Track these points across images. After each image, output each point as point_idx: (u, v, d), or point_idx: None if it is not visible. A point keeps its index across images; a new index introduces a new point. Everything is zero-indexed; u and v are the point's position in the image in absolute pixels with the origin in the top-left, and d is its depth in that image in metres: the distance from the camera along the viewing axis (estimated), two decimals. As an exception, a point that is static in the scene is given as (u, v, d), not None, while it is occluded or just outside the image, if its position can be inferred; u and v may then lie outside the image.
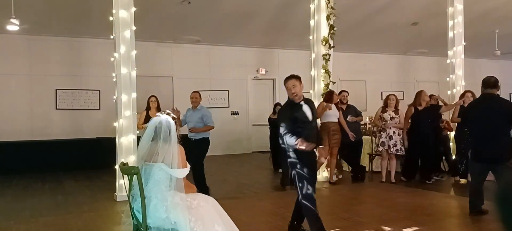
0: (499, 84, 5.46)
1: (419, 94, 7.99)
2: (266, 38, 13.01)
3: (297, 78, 4.70)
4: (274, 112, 9.66)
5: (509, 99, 5.58)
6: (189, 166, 3.44)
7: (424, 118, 7.91)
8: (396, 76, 15.89)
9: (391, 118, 8.08)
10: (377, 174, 8.73)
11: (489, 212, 5.33)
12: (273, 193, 7.56)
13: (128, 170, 3.28)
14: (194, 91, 7.73)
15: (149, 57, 11.79)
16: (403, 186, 7.83)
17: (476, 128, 5.46)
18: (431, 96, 8.45)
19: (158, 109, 7.97)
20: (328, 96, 7.93)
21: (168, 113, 3.48)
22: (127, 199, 3.38)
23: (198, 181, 6.56)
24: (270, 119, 10.10)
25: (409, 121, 8.01)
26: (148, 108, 8.01)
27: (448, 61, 9.95)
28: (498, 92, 5.53)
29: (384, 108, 8.24)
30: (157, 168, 3.28)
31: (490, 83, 5.39)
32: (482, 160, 5.32)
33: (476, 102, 5.73)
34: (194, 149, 6.95)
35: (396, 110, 8.17)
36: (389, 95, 8.41)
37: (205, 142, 7.18)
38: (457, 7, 9.71)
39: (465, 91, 8.26)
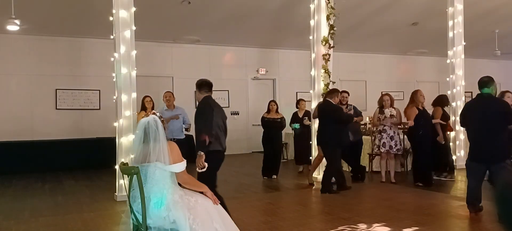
0: (491, 84, 5.42)
1: (415, 94, 7.94)
2: (266, 38, 13.01)
3: None
4: (268, 110, 9.03)
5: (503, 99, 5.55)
6: (185, 160, 3.45)
7: (428, 118, 7.90)
8: (396, 76, 15.88)
9: (391, 115, 8.07)
10: (377, 174, 8.73)
11: (486, 210, 5.36)
12: (273, 193, 7.56)
13: (128, 170, 3.29)
14: (168, 91, 8.08)
15: (149, 57, 11.79)
16: (403, 186, 7.83)
17: (473, 128, 5.50)
18: (505, 92, 7.52)
19: (153, 109, 7.98)
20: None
21: (154, 114, 3.52)
22: (127, 199, 3.38)
23: None
24: (263, 118, 9.02)
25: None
26: (144, 108, 7.87)
27: (448, 61, 9.96)
28: (494, 92, 5.54)
29: (381, 109, 8.23)
30: (153, 168, 3.30)
31: (482, 83, 5.42)
32: (479, 160, 5.36)
33: (472, 102, 5.69)
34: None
35: (393, 108, 8.18)
36: (383, 95, 8.40)
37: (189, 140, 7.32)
38: (457, 7, 9.71)
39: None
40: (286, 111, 9.68)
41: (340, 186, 7.38)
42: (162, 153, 3.31)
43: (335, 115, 7.24)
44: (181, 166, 3.41)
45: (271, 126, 8.87)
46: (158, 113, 3.55)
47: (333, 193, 7.11)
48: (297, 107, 9.45)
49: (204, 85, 5.41)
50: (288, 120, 9.27)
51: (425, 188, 7.45)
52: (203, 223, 3.19)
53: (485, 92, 5.41)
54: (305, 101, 9.42)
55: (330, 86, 8.29)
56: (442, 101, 8.36)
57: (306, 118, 8.99)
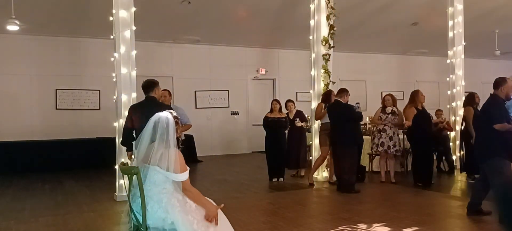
0: (502, 84, 5.33)
1: (416, 94, 7.92)
2: (266, 38, 13.01)
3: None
4: (271, 110, 8.57)
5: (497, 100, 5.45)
6: (188, 169, 3.32)
7: (428, 118, 7.90)
8: (396, 76, 15.88)
9: (392, 112, 8.07)
10: (377, 174, 8.73)
11: (486, 210, 5.36)
12: (273, 193, 7.56)
13: (128, 170, 3.27)
14: (164, 90, 7.20)
15: (149, 57, 11.78)
16: (403, 186, 7.83)
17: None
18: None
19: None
20: (326, 96, 7.91)
21: (170, 112, 3.36)
22: (127, 199, 3.36)
23: None
24: (267, 118, 8.53)
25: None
26: None
27: (448, 61, 9.96)
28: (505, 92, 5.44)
29: (383, 109, 8.24)
30: (152, 170, 3.21)
31: (493, 84, 5.40)
32: (476, 158, 5.48)
33: None
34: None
35: (396, 108, 8.19)
36: (385, 95, 8.41)
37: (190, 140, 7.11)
38: (457, 7, 9.72)
39: None
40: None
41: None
42: (166, 159, 3.16)
43: (348, 113, 7.26)
44: (183, 176, 3.23)
45: (276, 126, 8.39)
46: (174, 113, 3.38)
47: (355, 193, 7.05)
48: (286, 108, 8.84)
49: (144, 87, 5.70)
50: None
51: (425, 188, 7.45)
52: (206, 226, 3.15)
53: (492, 93, 5.42)
54: (293, 103, 8.82)
55: (330, 87, 8.30)
56: (472, 100, 7.82)
57: (297, 119, 8.47)
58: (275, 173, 8.45)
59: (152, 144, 3.25)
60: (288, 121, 8.56)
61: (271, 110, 8.59)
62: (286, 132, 8.78)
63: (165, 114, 3.28)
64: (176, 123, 3.34)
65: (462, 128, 8.05)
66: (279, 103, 8.67)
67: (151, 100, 5.58)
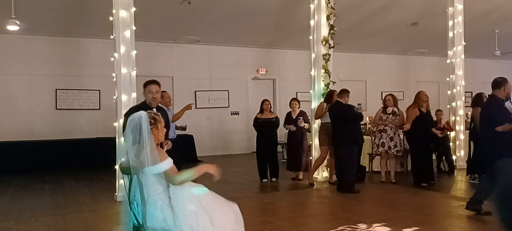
0: (503, 85, 5.28)
1: (419, 95, 7.90)
2: (266, 38, 13.02)
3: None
4: (261, 111, 8.47)
5: (496, 100, 5.45)
6: (169, 158, 3.17)
7: (430, 120, 7.90)
8: (396, 76, 15.89)
9: (393, 113, 8.07)
10: (377, 174, 8.73)
11: (486, 210, 5.37)
12: (273, 193, 7.56)
13: (128, 170, 3.27)
14: (164, 91, 7.17)
15: (149, 57, 11.79)
16: (403, 186, 7.83)
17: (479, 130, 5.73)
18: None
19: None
20: (329, 96, 7.89)
21: (149, 112, 3.28)
22: (127, 199, 3.36)
23: None
24: (257, 119, 8.47)
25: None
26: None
27: (448, 61, 9.97)
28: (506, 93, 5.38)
29: (384, 109, 8.24)
30: (141, 173, 3.15)
31: (492, 84, 5.40)
32: (483, 161, 5.46)
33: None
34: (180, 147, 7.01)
35: (397, 108, 8.18)
36: (386, 95, 8.41)
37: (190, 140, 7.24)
38: (457, 7, 9.72)
39: None
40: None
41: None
42: (144, 157, 3.07)
43: (349, 113, 7.27)
44: (166, 164, 3.10)
45: (267, 127, 8.33)
46: (154, 110, 3.37)
47: (355, 193, 7.06)
48: (290, 107, 8.74)
49: None
50: (282, 120, 8.66)
51: (425, 188, 7.46)
52: (209, 210, 3.14)
53: (491, 94, 5.42)
54: (298, 101, 8.68)
55: (330, 87, 8.30)
56: (480, 100, 7.49)
57: (301, 118, 8.33)
58: (265, 173, 8.42)
59: (134, 146, 3.17)
60: (278, 121, 8.46)
61: (262, 111, 8.49)
62: (286, 132, 8.73)
63: (138, 114, 3.20)
64: (152, 123, 3.23)
65: (471, 126, 7.97)
66: (270, 104, 8.64)
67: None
